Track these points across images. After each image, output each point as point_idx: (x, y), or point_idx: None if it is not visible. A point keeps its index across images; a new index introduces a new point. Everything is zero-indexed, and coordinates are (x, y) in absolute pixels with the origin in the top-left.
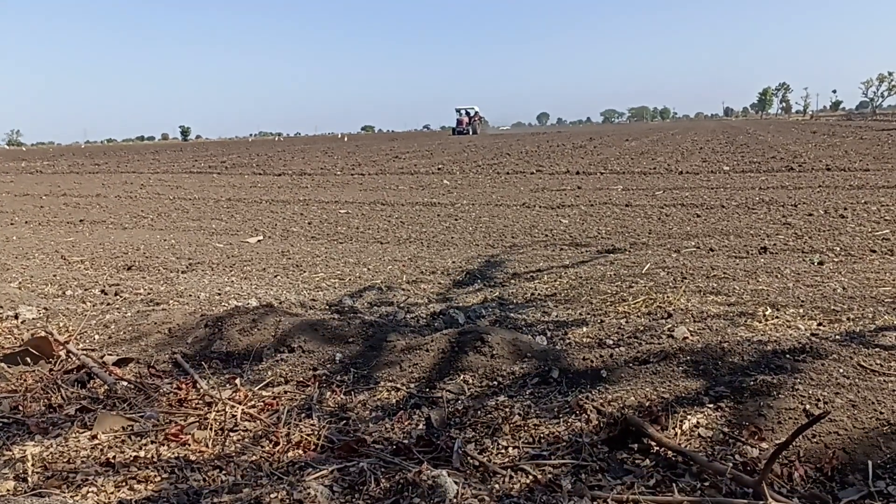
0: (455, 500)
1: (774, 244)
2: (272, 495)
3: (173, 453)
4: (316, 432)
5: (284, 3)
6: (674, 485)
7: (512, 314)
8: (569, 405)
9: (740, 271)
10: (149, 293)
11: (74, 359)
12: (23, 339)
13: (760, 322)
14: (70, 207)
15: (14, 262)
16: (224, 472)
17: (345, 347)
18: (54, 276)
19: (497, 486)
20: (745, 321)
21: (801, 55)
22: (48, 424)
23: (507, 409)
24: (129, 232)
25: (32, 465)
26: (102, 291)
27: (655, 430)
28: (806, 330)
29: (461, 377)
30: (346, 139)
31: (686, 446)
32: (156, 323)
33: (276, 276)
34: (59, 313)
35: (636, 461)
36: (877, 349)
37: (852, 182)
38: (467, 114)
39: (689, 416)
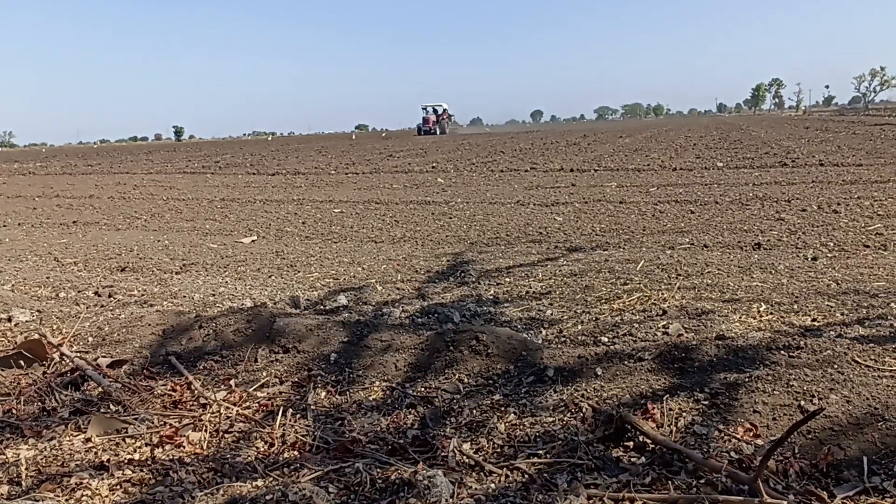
0: (451, 500)
1: (768, 240)
2: (268, 497)
3: (168, 455)
4: (311, 433)
5: (278, 2)
6: (669, 482)
7: (507, 312)
8: (564, 403)
9: (734, 267)
10: (143, 294)
11: (68, 361)
12: (16, 342)
13: (755, 318)
14: (63, 209)
15: (7, 264)
16: (219, 473)
17: (340, 347)
18: (47, 278)
19: (493, 485)
20: (740, 317)
21: (794, 51)
22: (42, 427)
23: (503, 408)
24: (123, 233)
25: (26, 468)
26: (96, 293)
27: (651, 427)
28: (800, 326)
29: (456, 376)
30: (353, 136)
31: (681, 443)
32: (150, 324)
33: (270, 277)
34: (53, 315)
35: (632, 459)
36: (871, 344)
37: (845, 177)
38: (434, 111)
39: (684, 413)
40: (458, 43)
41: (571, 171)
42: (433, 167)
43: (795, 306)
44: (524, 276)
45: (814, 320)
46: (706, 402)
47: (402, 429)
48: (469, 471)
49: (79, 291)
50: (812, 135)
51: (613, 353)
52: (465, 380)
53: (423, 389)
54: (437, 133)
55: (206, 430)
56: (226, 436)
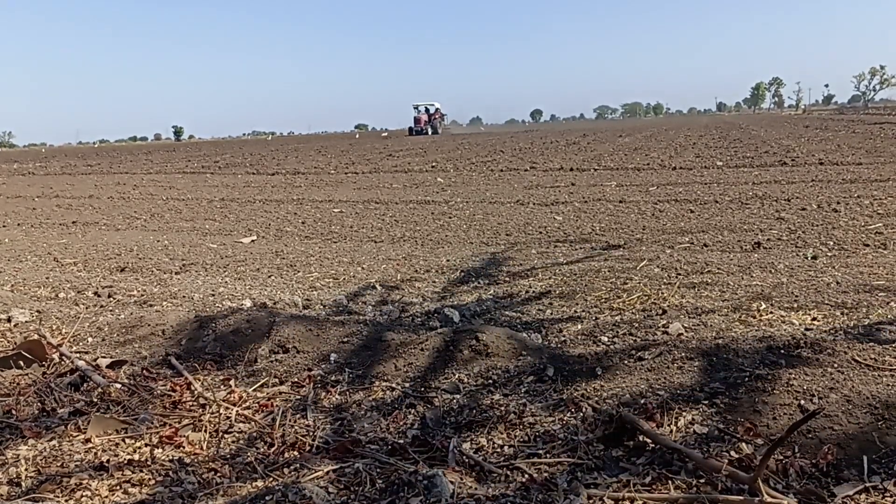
0: (451, 500)
1: (768, 239)
2: (267, 497)
3: (168, 456)
4: (311, 433)
5: (278, 2)
6: (669, 482)
7: (507, 312)
8: (564, 403)
9: (734, 266)
10: (142, 295)
11: (68, 361)
12: (15, 343)
13: (754, 317)
14: (62, 209)
15: (6, 264)
16: (219, 474)
17: (339, 347)
18: (47, 278)
19: (493, 485)
20: (740, 316)
21: (794, 50)
22: (42, 428)
23: (503, 408)
24: (122, 233)
25: (26, 469)
26: (95, 293)
27: (651, 427)
28: (800, 325)
29: (456, 376)
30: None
31: (681, 443)
32: (149, 325)
33: (270, 277)
34: (52, 316)
35: (632, 459)
36: (871, 343)
37: (845, 176)
38: (426, 111)
39: (684, 413)
40: (458, 43)
41: (571, 170)
42: (433, 167)
43: (795, 305)
44: (524, 275)
45: (814, 319)
46: (706, 402)
47: (402, 429)
48: (469, 471)
49: (78, 292)
50: (812, 134)
51: (613, 353)
52: (465, 380)
53: (423, 389)
54: (430, 133)
55: (205, 431)
56: (225, 436)
